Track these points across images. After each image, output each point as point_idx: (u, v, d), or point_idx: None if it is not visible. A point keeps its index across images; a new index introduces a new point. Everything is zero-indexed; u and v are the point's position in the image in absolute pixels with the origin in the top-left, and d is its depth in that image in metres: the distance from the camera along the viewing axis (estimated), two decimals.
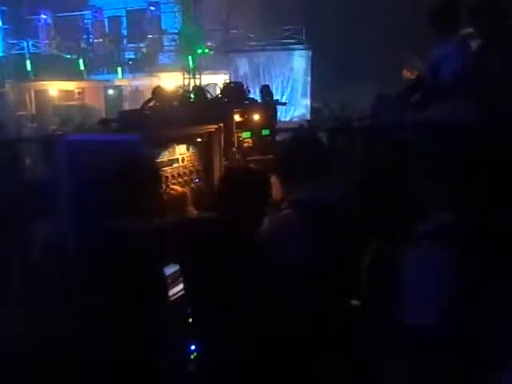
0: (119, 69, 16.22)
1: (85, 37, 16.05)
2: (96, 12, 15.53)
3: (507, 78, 3.40)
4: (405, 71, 13.49)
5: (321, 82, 13.95)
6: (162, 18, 15.91)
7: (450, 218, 1.91)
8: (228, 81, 10.85)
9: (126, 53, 16.54)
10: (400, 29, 11.85)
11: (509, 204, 2.00)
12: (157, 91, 5.59)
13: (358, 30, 12.77)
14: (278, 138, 3.83)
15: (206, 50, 15.04)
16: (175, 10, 16.12)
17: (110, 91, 16.66)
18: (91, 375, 2.37)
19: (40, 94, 16.07)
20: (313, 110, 14.46)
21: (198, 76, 15.17)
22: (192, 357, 2.15)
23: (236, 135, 3.40)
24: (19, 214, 4.06)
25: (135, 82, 16.24)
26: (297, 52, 15.33)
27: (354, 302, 2.07)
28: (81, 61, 15.66)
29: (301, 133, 3.13)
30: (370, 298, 1.98)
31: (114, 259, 2.24)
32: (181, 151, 3.02)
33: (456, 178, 2.11)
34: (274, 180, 2.44)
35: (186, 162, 3.04)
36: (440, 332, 1.75)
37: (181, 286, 2.32)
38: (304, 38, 14.78)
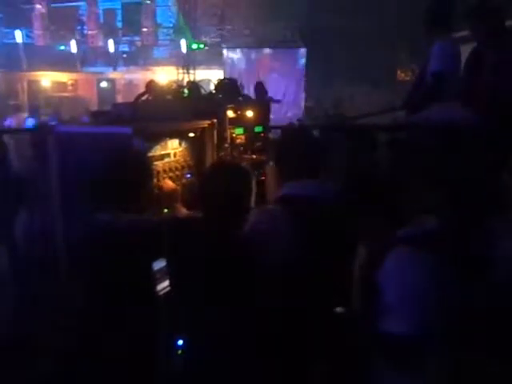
0: (113, 61, 16.13)
1: (79, 28, 15.95)
2: (91, 4, 15.44)
3: (503, 80, 3.42)
4: (399, 72, 13.56)
5: (315, 80, 13.97)
6: (158, 11, 15.85)
7: (436, 222, 1.91)
8: (222, 77, 10.83)
9: (121, 45, 16.45)
10: (395, 30, 11.89)
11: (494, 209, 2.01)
12: (151, 85, 5.58)
13: (354, 29, 12.79)
14: (271, 135, 3.84)
15: (201, 46, 15.00)
16: (170, 3, 16.06)
17: (103, 83, 16.58)
18: (77, 370, 2.37)
19: (33, 85, 15.95)
20: (306, 109, 14.48)
21: (192, 71, 15.13)
22: (179, 352, 2.14)
23: (229, 131, 3.39)
24: (7, 205, 4.04)
25: (129, 75, 16.16)
26: (292, 50, 15.33)
27: (339, 309, 2.06)
28: (74, 52, 15.54)
29: (293, 131, 3.13)
30: (355, 304, 1.98)
31: (103, 253, 2.23)
32: (173, 146, 3.01)
33: (444, 182, 2.11)
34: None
35: (178, 157, 3.03)
36: (423, 341, 1.74)
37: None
38: (299, 36, 14.78)
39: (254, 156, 3.47)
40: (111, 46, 15.47)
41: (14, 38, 15.60)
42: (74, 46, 15.15)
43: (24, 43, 15.59)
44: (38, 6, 15.24)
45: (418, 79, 4.25)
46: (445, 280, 1.78)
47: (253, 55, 15.56)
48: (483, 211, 1.98)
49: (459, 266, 1.79)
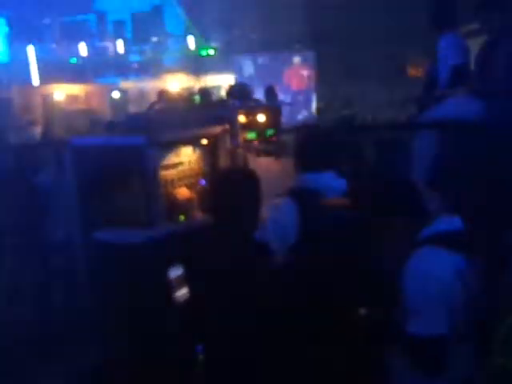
0: (124, 72, 16.29)
1: (90, 40, 16.14)
2: (101, 16, 15.66)
3: None
4: (410, 69, 13.47)
5: (325, 81, 13.94)
6: (166, 20, 15.99)
7: (460, 221, 1.88)
8: (233, 82, 10.88)
9: (131, 55, 16.60)
10: (405, 27, 11.81)
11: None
12: (163, 94, 5.64)
13: (362, 28, 12.75)
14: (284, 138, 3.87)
15: (211, 52, 15.07)
16: (179, 12, 16.18)
17: (116, 94, 16.70)
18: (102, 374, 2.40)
19: (46, 99, 16.12)
20: (317, 110, 14.47)
21: (202, 78, 15.20)
22: (199, 358, 2.16)
23: (242, 136, 3.42)
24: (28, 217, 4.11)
25: (140, 85, 16.27)
26: (301, 53, 15.32)
27: (363, 311, 2.06)
28: (86, 64, 15.74)
29: (311, 130, 3.17)
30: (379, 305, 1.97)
31: (120, 262, 2.26)
32: (187, 153, 3.04)
33: (462, 179, 2.10)
34: None
35: (192, 164, 3.05)
36: (449, 342, 1.72)
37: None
38: (308, 38, 14.77)
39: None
40: (122, 57, 15.63)
41: (26, 53, 15.83)
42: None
43: (36, 58, 15.81)
44: (50, 21, 15.46)
45: (429, 78, 4.23)
46: (471, 279, 1.76)
47: (262, 59, 15.57)
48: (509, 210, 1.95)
49: (484, 265, 1.78)
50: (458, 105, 3.23)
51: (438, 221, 1.88)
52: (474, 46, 3.81)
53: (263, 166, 3.26)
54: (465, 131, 2.74)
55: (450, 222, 1.88)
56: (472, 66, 3.83)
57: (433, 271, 1.76)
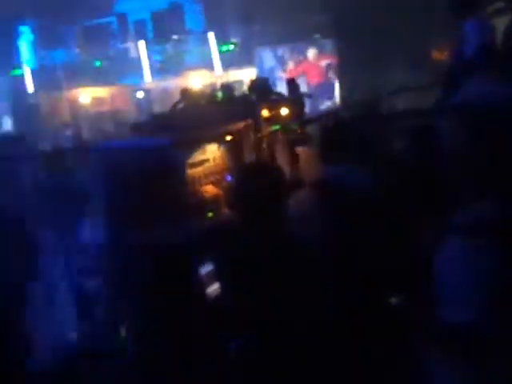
0: (147, 71, 16.44)
1: (112, 42, 16.33)
2: (121, 17, 15.85)
3: None
4: (435, 52, 13.21)
5: (348, 69, 13.80)
6: (186, 17, 16.05)
7: (490, 208, 1.85)
8: (254, 77, 10.86)
9: (153, 55, 16.73)
10: (428, 10, 11.59)
11: None
12: (185, 92, 5.68)
13: (384, 13, 12.55)
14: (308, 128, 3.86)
15: (231, 47, 15.08)
16: (198, 8, 16.22)
17: (140, 94, 16.88)
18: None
19: (72, 103, 16.41)
20: (341, 99, 14.35)
21: (224, 73, 15.23)
22: (233, 351, 2.18)
23: (266, 130, 3.42)
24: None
25: (163, 84, 16.40)
26: (320, 42, 15.19)
27: (394, 300, 2.04)
28: (110, 66, 15.96)
29: (334, 121, 3.15)
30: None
31: (150, 261, 2.30)
32: (212, 150, 3.06)
33: (495, 165, 2.05)
34: None
35: (217, 161, 3.07)
36: (476, 330, 1.70)
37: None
38: (328, 26, 14.62)
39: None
40: (144, 57, 15.81)
41: (51, 60, 16.14)
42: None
43: (61, 62, 16.10)
44: (72, 26, 15.73)
45: (454, 62, 4.15)
46: (508, 267, 1.73)
47: (282, 51, 15.51)
48: None
49: None
50: (485, 86, 3.16)
51: (473, 207, 1.85)
52: (500, 24, 3.73)
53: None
54: (494, 113, 2.67)
55: (486, 209, 1.85)
56: (498, 46, 3.76)
57: (469, 259, 1.74)
